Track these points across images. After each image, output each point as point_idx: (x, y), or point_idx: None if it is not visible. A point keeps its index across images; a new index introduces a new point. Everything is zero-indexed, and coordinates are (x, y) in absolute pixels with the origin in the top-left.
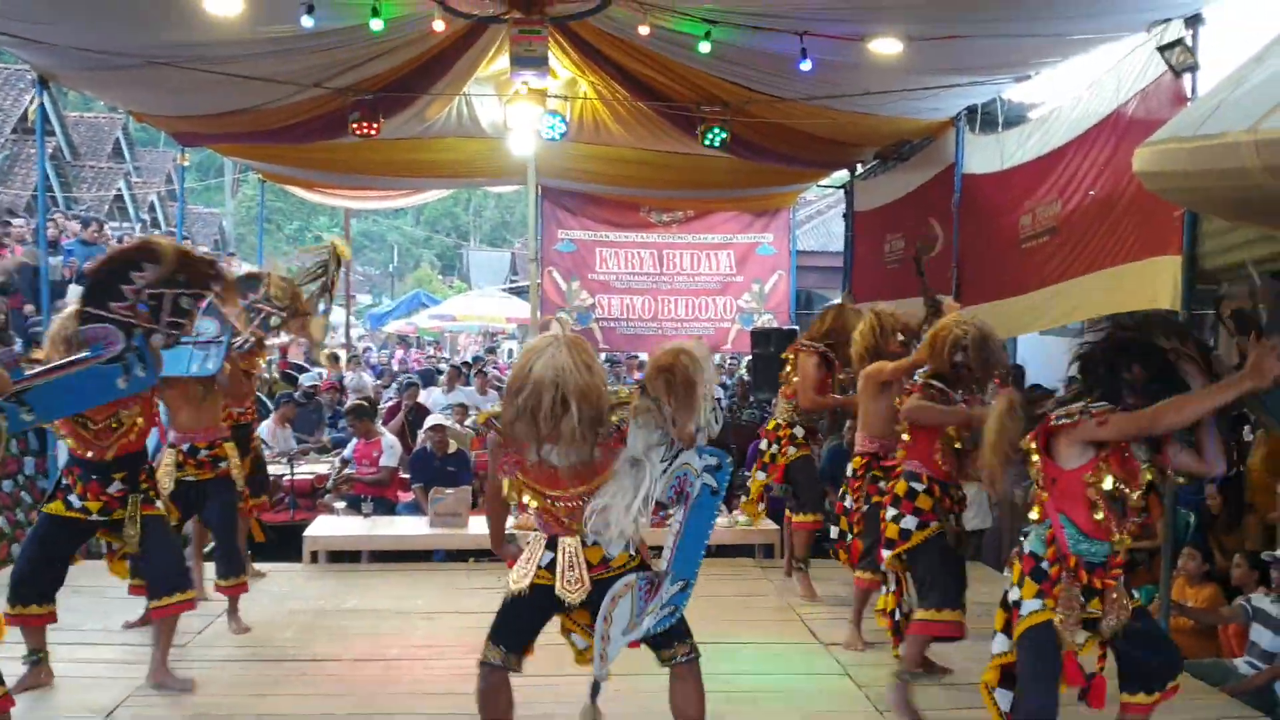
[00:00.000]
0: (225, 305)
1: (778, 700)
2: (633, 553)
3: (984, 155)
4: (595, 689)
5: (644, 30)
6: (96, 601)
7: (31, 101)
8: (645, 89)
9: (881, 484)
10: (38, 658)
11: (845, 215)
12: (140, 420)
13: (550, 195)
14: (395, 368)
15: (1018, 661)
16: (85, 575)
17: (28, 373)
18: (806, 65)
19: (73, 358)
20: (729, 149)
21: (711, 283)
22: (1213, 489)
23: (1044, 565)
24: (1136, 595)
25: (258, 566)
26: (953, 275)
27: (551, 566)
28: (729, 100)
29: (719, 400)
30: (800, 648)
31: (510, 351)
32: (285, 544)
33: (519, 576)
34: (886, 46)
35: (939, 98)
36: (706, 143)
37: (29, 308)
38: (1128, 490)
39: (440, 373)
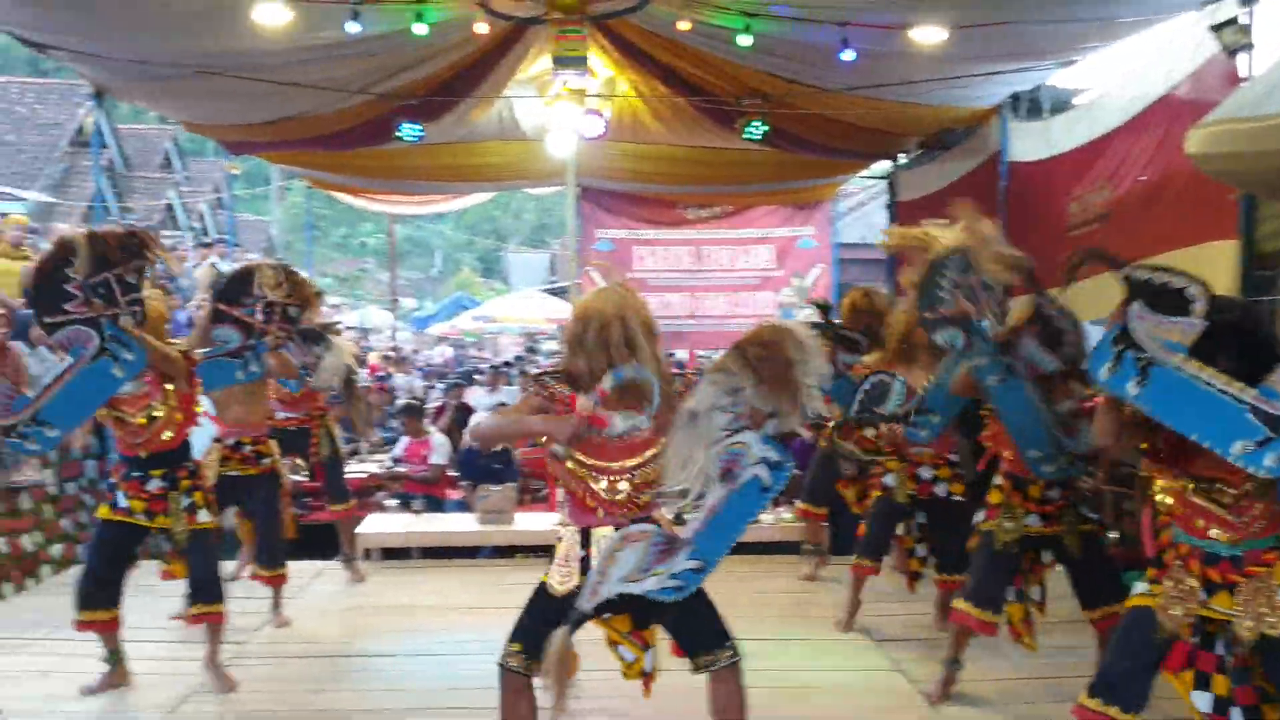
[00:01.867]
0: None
1: (829, 695)
2: None
3: (1030, 142)
4: (577, 621)
5: (683, 25)
6: (157, 601)
7: (87, 115)
8: (684, 84)
9: (888, 479)
10: (115, 659)
11: (888, 206)
12: (178, 417)
13: (589, 195)
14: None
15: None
16: (146, 575)
17: (30, 396)
18: (849, 55)
19: (62, 368)
20: (770, 142)
21: (751, 278)
22: None
23: (1166, 553)
24: None
25: (360, 565)
26: None
27: (585, 565)
28: (769, 93)
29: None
30: (850, 643)
31: (551, 352)
32: (338, 541)
33: (561, 578)
34: (930, 35)
35: (983, 85)
36: (746, 136)
37: None
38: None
39: (480, 373)
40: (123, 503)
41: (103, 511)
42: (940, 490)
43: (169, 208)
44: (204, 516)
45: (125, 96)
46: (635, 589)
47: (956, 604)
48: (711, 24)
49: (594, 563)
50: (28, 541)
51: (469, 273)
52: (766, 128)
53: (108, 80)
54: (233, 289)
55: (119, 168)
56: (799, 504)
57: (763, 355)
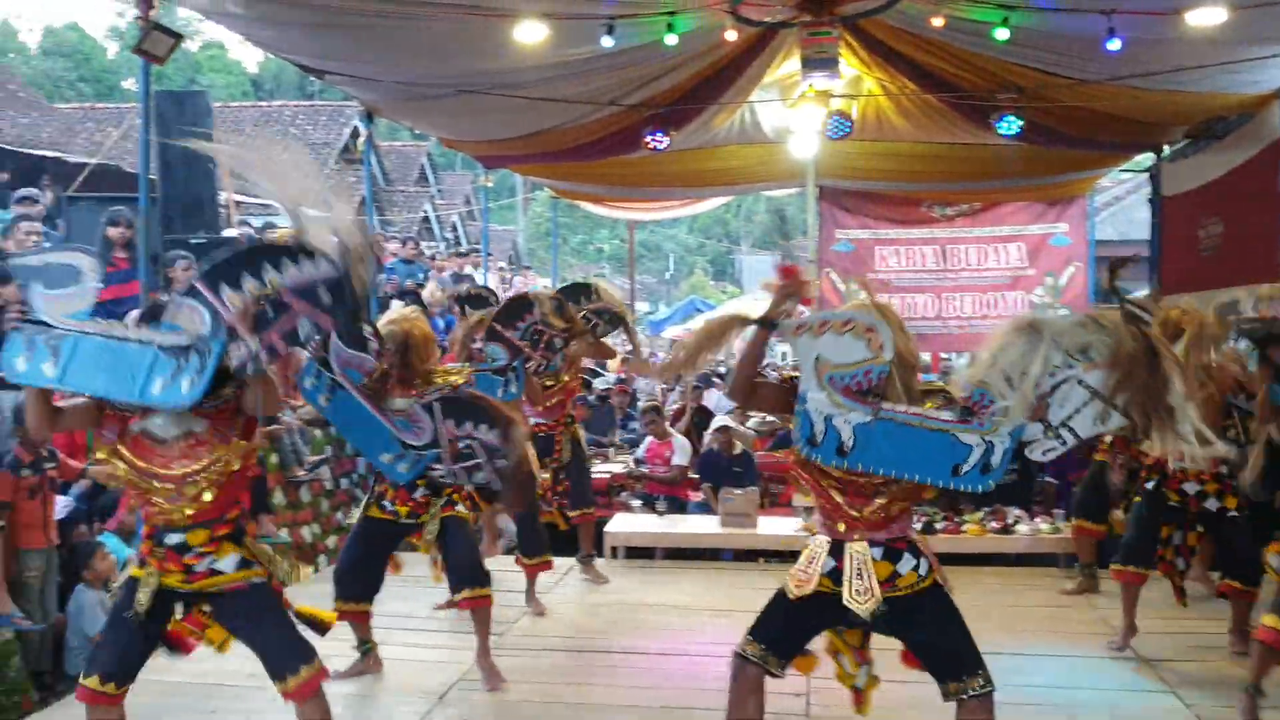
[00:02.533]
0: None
1: (1097, 716)
2: (924, 572)
3: None
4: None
5: (937, 22)
6: (426, 591)
7: (354, 135)
8: (934, 80)
9: (1150, 484)
10: (367, 647)
11: (1151, 200)
12: None
13: (827, 195)
14: None
15: None
16: (417, 565)
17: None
18: (1115, 44)
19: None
20: (1024, 136)
21: (1001, 277)
22: None
23: None
24: None
25: (598, 566)
26: None
27: (835, 576)
28: (1025, 86)
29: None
30: (1119, 662)
31: (784, 355)
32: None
33: (800, 582)
34: (1207, 17)
35: (1262, 68)
36: (1001, 131)
37: None
38: None
39: (719, 375)
40: (389, 507)
41: (370, 511)
42: (1210, 505)
43: (425, 219)
44: (460, 509)
45: (391, 116)
46: (813, 394)
47: (1265, 620)
48: (966, 18)
49: (845, 577)
50: (307, 533)
51: (701, 276)
52: (1021, 121)
53: (376, 101)
54: (509, 312)
55: (380, 183)
56: (1075, 520)
57: (1142, 351)
